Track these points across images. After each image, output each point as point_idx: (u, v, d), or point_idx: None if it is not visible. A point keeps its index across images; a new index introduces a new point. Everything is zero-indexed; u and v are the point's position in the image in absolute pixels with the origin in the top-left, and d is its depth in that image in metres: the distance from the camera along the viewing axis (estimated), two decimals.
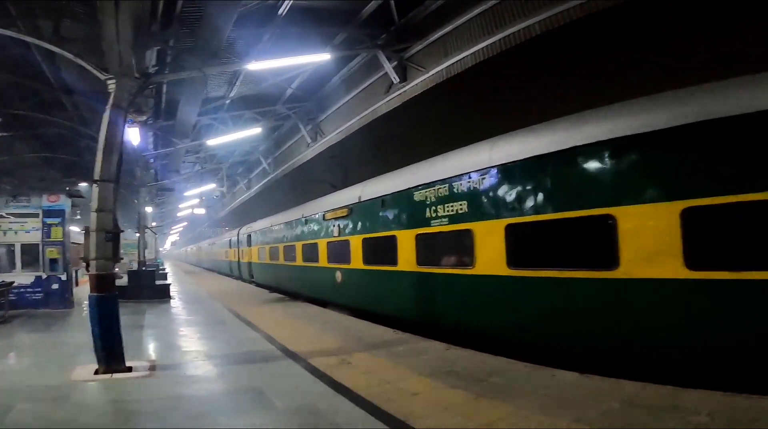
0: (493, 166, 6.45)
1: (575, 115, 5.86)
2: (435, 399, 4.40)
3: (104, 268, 5.79)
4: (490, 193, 6.49)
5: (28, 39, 7.01)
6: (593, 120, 5.52)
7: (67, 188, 16.49)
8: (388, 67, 10.93)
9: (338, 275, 11.01)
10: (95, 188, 5.89)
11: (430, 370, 5.39)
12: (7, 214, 11.59)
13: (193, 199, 26.75)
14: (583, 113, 5.78)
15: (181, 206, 30.72)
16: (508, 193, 6.24)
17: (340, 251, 10.86)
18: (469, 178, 6.81)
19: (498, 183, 6.39)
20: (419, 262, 7.93)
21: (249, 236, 20.83)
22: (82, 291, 14.09)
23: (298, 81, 13.64)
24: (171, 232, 59.09)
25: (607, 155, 5.20)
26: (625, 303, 5.02)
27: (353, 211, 10.32)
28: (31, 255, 11.56)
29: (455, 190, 7.10)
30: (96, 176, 5.90)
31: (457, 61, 9.36)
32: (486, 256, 6.52)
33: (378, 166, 11.06)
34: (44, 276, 11.45)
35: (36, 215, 11.67)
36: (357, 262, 10.08)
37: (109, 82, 6.16)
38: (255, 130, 15.23)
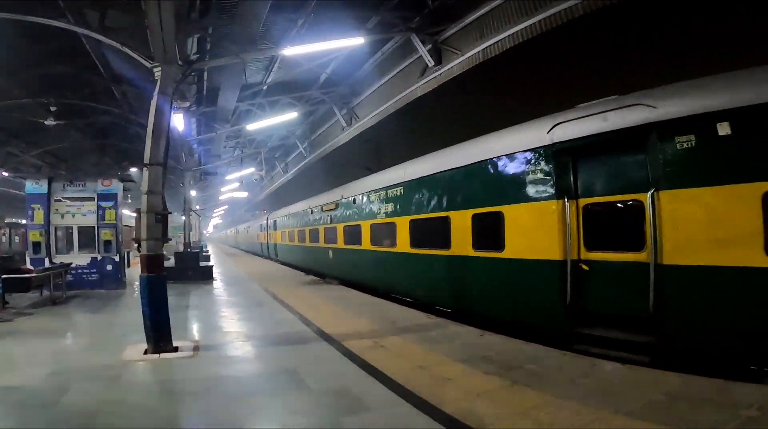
0: (404, 181, 9.66)
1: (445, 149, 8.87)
2: (468, 385, 4.42)
3: (154, 249, 6.04)
4: (404, 199, 9.65)
5: (77, 29, 7.29)
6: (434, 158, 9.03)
7: (119, 173, 17.33)
8: (423, 50, 10.73)
9: (330, 253, 14.30)
10: (145, 171, 6.12)
11: (464, 355, 5.41)
12: (64, 197, 12.32)
13: (233, 183, 27.53)
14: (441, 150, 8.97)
15: (222, 190, 31.71)
16: (411, 199, 9.36)
17: (331, 235, 14.16)
18: (397, 187, 9.92)
19: (406, 192, 9.57)
20: (372, 243, 11.08)
21: (275, 222, 24.70)
22: (133, 272, 14.95)
23: (333, 66, 13.63)
24: (213, 215, 61.20)
25: (437, 181, 8.51)
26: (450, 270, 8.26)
27: (338, 205, 13.59)
28: (87, 237, 12.26)
29: (388, 195, 10.26)
30: (146, 160, 6.13)
31: (494, 43, 9.06)
32: (402, 240, 9.62)
33: (411, 150, 11.07)
34: (99, 257, 12.13)
35: (91, 199, 12.31)
36: (340, 243, 13.32)
37: (155, 69, 6.37)
38: (291, 115, 15.43)
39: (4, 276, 8.87)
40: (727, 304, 4.61)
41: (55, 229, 12.16)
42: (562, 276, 5.84)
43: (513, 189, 6.64)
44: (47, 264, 11.32)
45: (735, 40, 8.26)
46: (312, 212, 16.47)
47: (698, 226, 4.75)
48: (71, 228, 12.30)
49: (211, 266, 16.30)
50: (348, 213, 12.69)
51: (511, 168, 6.70)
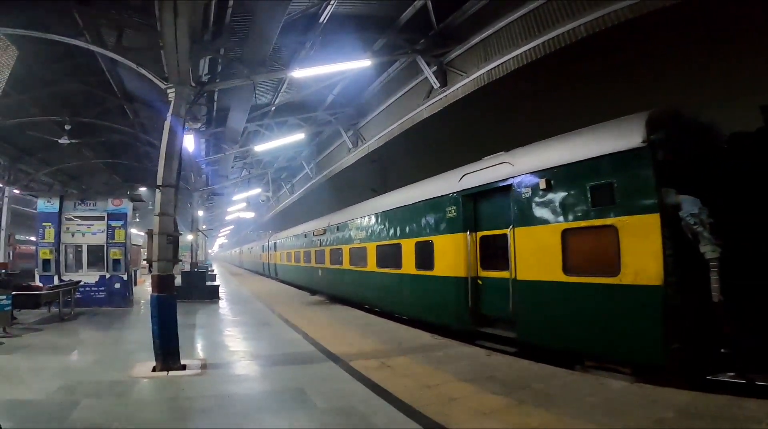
0: (373, 213, 11.74)
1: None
2: (475, 404, 4.40)
3: (165, 270, 6.10)
4: (373, 228, 11.68)
5: (94, 48, 7.46)
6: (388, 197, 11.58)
7: (129, 192, 17.53)
8: (428, 72, 10.92)
9: (319, 272, 16.32)
10: (158, 193, 6.19)
11: (470, 375, 5.38)
12: (75, 216, 12.48)
13: (240, 204, 27.72)
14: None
15: (229, 210, 31.92)
16: (377, 228, 11.38)
17: (320, 256, 16.30)
18: (368, 217, 12.01)
19: (374, 223, 11.57)
20: (351, 264, 13.17)
21: (275, 243, 26.74)
22: (140, 291, 15.01)
23: (339, 87, 13.89)
24: (219, 235, 61.45)
25: (394, 215, 10.57)
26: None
27: (326, 231, 15.72)
28: (96, 255, 12.38)
29: (362, 224, 12.36)
30: (158, 182, 6.22)
31: (498, 65, 9.23)
32: (371, 261, 11.61)
33: (418, 170, 11.29)
34: (108, 276, 12.22)
35: (101, 218, 12.47)
36: (327, 263, 15.35)
37: (169, 90, 6.51)
38: (298, 136, 15.66)
39: (14, 292, 8.95)
40: (544, 308, 6.22)
41: (65, 247, 12.29)
42: (466, 289, 7.65)
43: (439, 223, 8.62)
44: (56, 281, 11.41)
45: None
46: (306, 236, 18.82)
47: (532, 252, 6.46)
48: (81, 246, 12.43)
49: (218, 286, 16.35)
50: (333, 238, 14.95)
51: (438, 207, 8.64)
